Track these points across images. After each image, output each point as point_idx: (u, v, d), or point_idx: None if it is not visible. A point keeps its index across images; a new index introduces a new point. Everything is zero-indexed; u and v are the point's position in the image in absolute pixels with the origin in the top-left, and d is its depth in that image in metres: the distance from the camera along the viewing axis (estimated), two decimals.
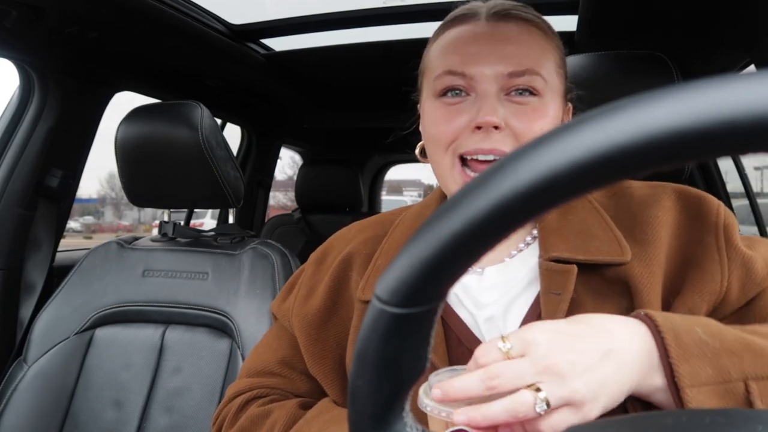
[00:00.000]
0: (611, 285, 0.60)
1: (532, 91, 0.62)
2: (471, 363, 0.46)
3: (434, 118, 0.65)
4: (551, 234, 0.63)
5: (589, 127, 0.21)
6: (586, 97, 0.76)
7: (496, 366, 0.44)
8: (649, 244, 0.60)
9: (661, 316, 0.48)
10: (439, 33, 0.69)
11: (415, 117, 0.77)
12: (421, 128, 0.72)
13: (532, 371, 0.43)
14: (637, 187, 0.67)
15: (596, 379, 0.43)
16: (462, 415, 0.43)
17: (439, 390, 0.44)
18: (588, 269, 0.60)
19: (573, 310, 0.59)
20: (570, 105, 0.71)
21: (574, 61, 0.98)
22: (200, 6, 1.44)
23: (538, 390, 0.42)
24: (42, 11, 1.11)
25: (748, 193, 1.95)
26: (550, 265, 0.61)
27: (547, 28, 0.67)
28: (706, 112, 0.20)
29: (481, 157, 0.61)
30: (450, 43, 0.66)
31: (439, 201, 0.75)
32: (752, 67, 1.38)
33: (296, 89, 2.12)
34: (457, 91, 0.63)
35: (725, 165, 2.05)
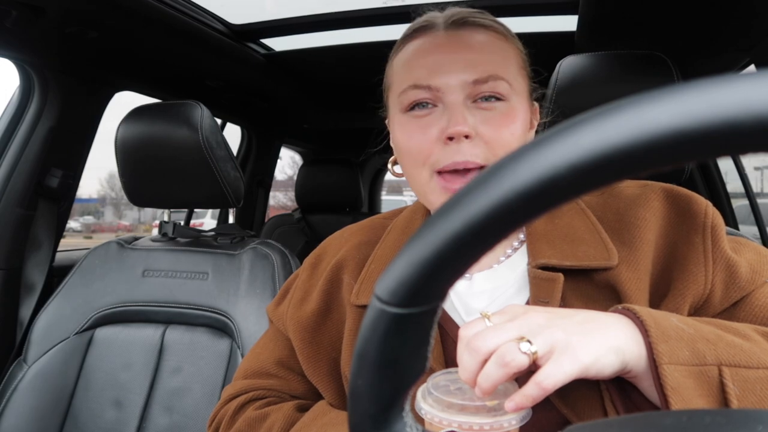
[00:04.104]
0: (600, 289, 0.60)
1: (498, 97, 0.62)
2: (459, 344, 0.48)
3: (405, 133, 0.65)
4: (538, 239, 0.63)
5: (590, 127, 0.21)
6: (558, 96, 0.75)
7: (479, 332, 0.46)
8: (636, 248, 0.60)
9: (637, 306, 0.49)
10: (399, 47, 0.69)
11: (385, 133, 0.76)
12: (392, 143, 0.73)
13: (514, 328, 0.46)
14: (626, 186, 0.67)
15: (577, 329, 0.46)
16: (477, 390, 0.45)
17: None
18: (577, 274, 0.60)
19: None
20: (536, 104, 0.71)
21: (574, 61, 0.98)
22: (200, 6, 1.44)
23: (521, 340, 0.45)
24: (42, 11, 1.11)
25: (748, 193, 1.95)
26: (538, 273, 0.61)
27: (505, 32, 0.67)
28: (707, 112, 0.20)
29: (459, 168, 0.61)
30: (411, 57, 0.65)
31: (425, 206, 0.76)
32: (752, 67, 1.39)
33: (296, 89, 2.12)
34: (424, 104, 0.63)
35: (725, 165, 2.06)
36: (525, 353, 0.44)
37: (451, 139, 0.60)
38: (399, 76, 0.66)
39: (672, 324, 0.48)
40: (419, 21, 0.68)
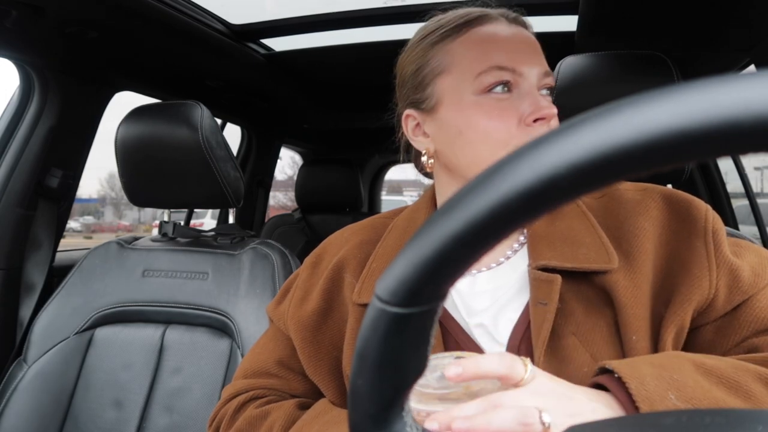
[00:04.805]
0: (598, 293, 0.60)
1: (550, 91, 0.66)
2: (493, 360, 0.46)
3: (483, 114, 0.63)
4: (539, 241, 0.63)
5: (590, 127, 0.21)
6: (558, 97, 0.76)
7: (503, 395, 0.44)
8: (634, 258, 0.60)
9: (634, 382, 0.46)
10: (459, 31, 0.66)
11: (398, 127, 0.74)
12: (445, 128, 0.67)
13: (536, 401, 0.44)
14: (626, 189, 0.67)
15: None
16: (463, 422, 0.42)
17: (436, 424, 0.43)
18: (577, 277, 0.60)
19: (563, 319, 0.59)
20: None
21: (574, 61, 0.98)
22: (200, 6, 1.44)
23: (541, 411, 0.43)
24: (42, 11, 1.11)
25: (748, 193, 1.96)
26: (538, 274, 0.61)
27: None
28: (707, 112, 0.20)
29: None
30: (486, 40, 0.65)
31: (429, 203, 0.75)
32: (752, 67, 1.39)
33: (296, 89, 2.12)
34: (505, 86, 0.64)
35: (725, 165, 2.06)
36: (543, 423, 0.42)
37: (536, 121, 0.62)
38: (470, 58, 0.64)
39: (669, 407, 0.45)
40: (475, 11, 0.68)
